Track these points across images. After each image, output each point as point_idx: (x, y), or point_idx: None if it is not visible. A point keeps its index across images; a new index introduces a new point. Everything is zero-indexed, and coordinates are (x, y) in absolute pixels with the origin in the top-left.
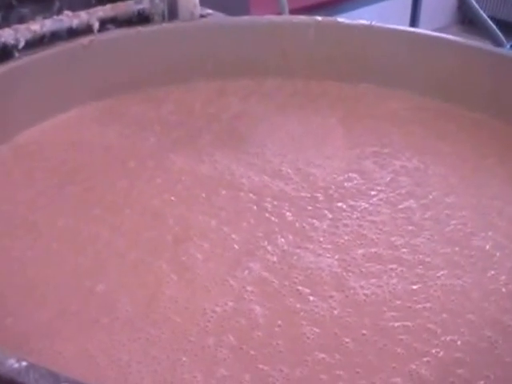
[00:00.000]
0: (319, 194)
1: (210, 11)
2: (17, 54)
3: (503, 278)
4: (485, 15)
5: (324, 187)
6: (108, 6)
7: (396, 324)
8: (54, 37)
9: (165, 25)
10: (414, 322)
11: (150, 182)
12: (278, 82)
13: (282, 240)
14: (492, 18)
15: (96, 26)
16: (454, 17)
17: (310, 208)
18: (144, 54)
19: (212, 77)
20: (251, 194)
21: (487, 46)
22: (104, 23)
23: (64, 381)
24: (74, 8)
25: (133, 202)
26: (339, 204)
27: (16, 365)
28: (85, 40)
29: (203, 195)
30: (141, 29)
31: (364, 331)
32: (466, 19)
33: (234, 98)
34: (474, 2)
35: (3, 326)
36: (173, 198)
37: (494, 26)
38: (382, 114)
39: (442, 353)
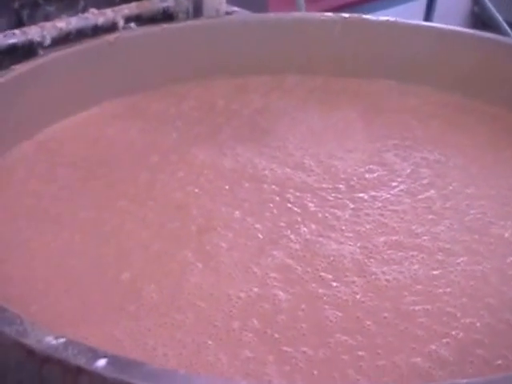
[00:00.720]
0: (341, 185)
1: (235, 9)
2: (41, 52)
3: None
4: (500, 17)
5: (345, 178)
6: (133, 4)
7: (416, 308)
8: (80, 34)
9: (189, 22)
10: (434, 305)
11: (172, 175)
12: (298, 78)
13: (305, 229)
14: (506, 22)
15: (121, 23)
16: (468, 20)
17: (331, 198)
18: (168, 51)
19: (233, 73)
20: (274, 186)
21: (506, 38)
22: (129, 21)
23: (103, 356)
24: (98, 6)
25: (156, 194)
26: (361, 194)
27: (54, 341)
28: (110, 37)
29: (226, 187)
30: (165, 26)
31: (385, 314)
32: (479, 22)
33: (255, 95)
34: (490, 4)
35: (28, 314)
36: (196, 190)
37: (509, 29)
38: (402, 109)
39: (461, 334)
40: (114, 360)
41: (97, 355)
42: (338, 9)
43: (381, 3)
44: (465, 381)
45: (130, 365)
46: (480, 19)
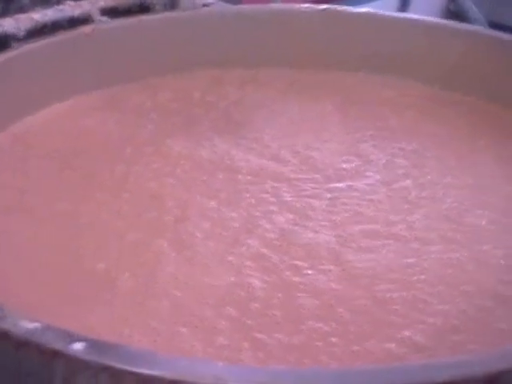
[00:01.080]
0: (317, 176)
1: (212, 0)
2: (16, 44)
3: (499, 251)
4: (480, 15)
5: (322, 169)
6: None
7: (391, 295)
8: (55, 26)
9: (166, 14)
10: (410, 293)
11: (148, 166)
12: (275, 71)
13: (281, 219)
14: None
15: (97, 15)
16: (442, 18)
17: (308, 189)
18: (144, 44)
19: (211, 66)
20: (250, 177)
21: (486, 30)
22: (105, 13)
23: (79, 339)
24: None
25: (131, 185)
26: (337, 184)
27: (30, 325)
28: (87, 28)
29: (202, 178)
30: (142, 18)
31: (359, 302)
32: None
33: (231, 87)
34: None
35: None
36: (172, 181)
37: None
38: (380, 101)
39: (436, 321)
40: (90, 343)
41: (73, 339)
42: (316, 1)
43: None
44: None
45: (107, 348)
46: (456, 17)
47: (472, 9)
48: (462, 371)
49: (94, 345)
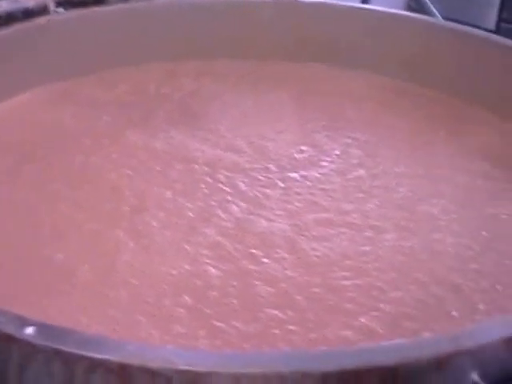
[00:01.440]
0: (272, 166)
1: None
2: None
3: (450, 240)
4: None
5: (276, 159)
6: None
7: (346, 282)
8: (10, 18)
9: (121, 5)
10: (364, 280)
11: (105, 157)
12: (230, 62)
13: (236, 208)
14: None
15: (52, 6)
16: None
17: (262, 178)
18: (100, 35)
19: (165, 58)
20: (205, 167)
21: (440, 20)
22: (60, 5)
23: (31, 324)
24: None
25: (89, 177)
26: (291, 174)
27: None
28: (42, 20)
29: (158, 169)
30: (96, 9)
31: (315, 289)
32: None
33: (186, 79)
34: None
35: None
36: (129, 172)
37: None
38: (336, 92)
39: (390, 308)
40: (42, 328)
41: (25, 323)
42: None
43: None
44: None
45: (60, 332)
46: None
47: (430, 6)
48: (411, 354)
49: (45, 329)
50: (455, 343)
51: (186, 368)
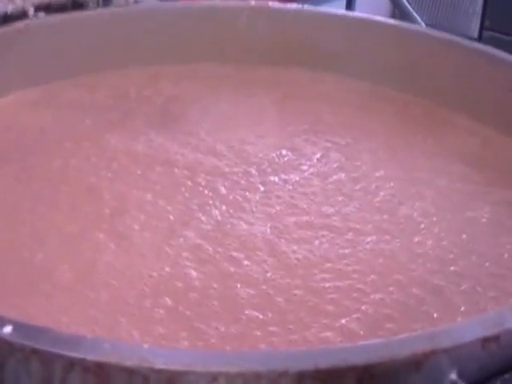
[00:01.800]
0: (252, 169)
1: None
2: None
3: (430, 242)
4: (418, 17)
5: (257, 163)
6: None
7: (327, 285)
8: None
9: (99, 10)
10: (344, 282)
11: (85, 160)
12: (211, 66)
13: (216, 211)
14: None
15: (31, 11)
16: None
17: (242, 182)
18: (79, 40)
19: (146, 62)
20: (185, 170)
21: (418, 26)
22: (39, 10)
23: (8, 322)
24: None
25: (69, 179)
26: (271, 178)
27: None
28: (20, 24)
29: (138, 172)
30: (76, 14)
31: (296, 291)
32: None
33: (167, 83)
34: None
35: None
36: (109, 175)
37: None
38: (315, 96)
39: (371, 310)
40: (19, 327)
41: (3, 322)
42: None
43: None
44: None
45: (37, 331)
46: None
47: (413, 14)
48: (387, 353)
49: (22, 328)
50: (432, 342)
51: (163, 367)
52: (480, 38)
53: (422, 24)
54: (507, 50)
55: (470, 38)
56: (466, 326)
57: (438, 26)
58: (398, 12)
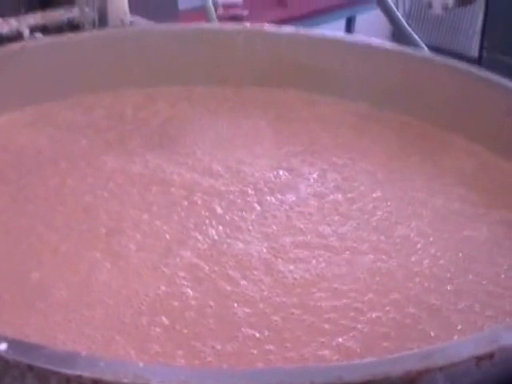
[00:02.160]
0: (248, 189)
1: (139, 18)
2: None
3: (427, 261)
4: (417, 38)
5: (253, 183)
6: (38, 14)
7: (324, 303)
8: None
9: (95, 32)
10: (341, 301)
11: (81, 180)
12: (207, 88)
13: (213, 231)
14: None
15: (26, 33)
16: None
17: (239, 202)
18: (74, 61)
19: (142, 83)
20: (182, 190)
21: (415, 49)
22: (34, 31)
23: (3, 339)
24: (2, 15)
25: (65, 198)
26: (268, 198)
27: None
28: (16, 46)
29: (135, 192)
30: (71, 35)
31: (293, 310)
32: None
33: (163, 104)
34: (406, 25)
35: None
36: (105, 195)
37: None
38: (311, 117)
39: (368, 328)
40: (14, 343)
41: None
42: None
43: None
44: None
45: (32, 348)
46: (400, 41)
47: (413, 35)
48: (381, 371)
49: (17, 345)
50: (426, 360)
51: None
52: (480, 58)
53: (422, 45)
54: (506, 69)
55: (470, 58)
56: (460, 344)
57: (439, 47)
58: (398, 33)
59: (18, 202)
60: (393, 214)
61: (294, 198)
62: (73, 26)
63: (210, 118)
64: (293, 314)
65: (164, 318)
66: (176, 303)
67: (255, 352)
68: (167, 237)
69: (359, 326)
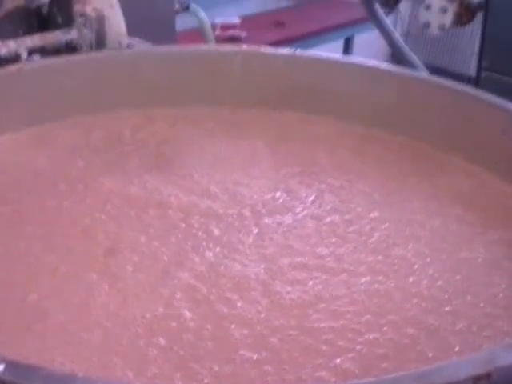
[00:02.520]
0: (246, 211)
1: (137, 40)
2: None
3: (425, 282)
4: (417, 59)
5: (251, 204)
6: (36, 36)
7: (321, 325)
8: None
9: (93, 54)
10: (339, 323)
11: (79, 202)
12: (205, 109)
13: (210, 253)
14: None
15: (24, 55)
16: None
17: (236, 224)
18: (72, 83)
19: (140, 105)
20: (179, 212)
21: (409, 70)
22: (33, 53)
23: (0, 361)
24: (1, 37)
25: (63, 220)
26: (265, 219)
27: None
28: (13, 68)
29: (132, 213)
30: (69, 58)
31: (290, 331)
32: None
33: (161, 125)
34: (405, 46)
35: None
36: (103, 217)
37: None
38: (308, 138)
39: (365, 349)
40: (12, 365)
41: None
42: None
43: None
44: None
45: (29, 369)
46: (398, 61)
47: (411, 55)
48: None
49: (14, 367)
50: (424, 381)
51: None
52: (478, 78)
53: (421, 65)
54: (504, 89)
55: (469, 78)
56: (457, 364)
57: (437, 67)
58: (396, 54)
59: (17, 224)
60: (390, 235)
61: (291, 220)
62: (71, 48)
63: (207, 139)
64: (290, 335)
65: (162, 340)
66: (174, 325)
67: (253, 374)
68: (165, 258)
69: (357, 347)
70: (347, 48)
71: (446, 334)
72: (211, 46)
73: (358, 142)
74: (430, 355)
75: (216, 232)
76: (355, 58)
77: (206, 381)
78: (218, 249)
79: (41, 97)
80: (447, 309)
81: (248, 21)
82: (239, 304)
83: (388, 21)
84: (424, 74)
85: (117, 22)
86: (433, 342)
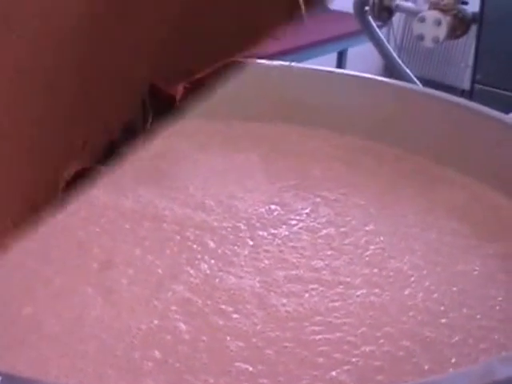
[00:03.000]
0: (241, 224)
1: None
2: None
3: (421, 294)
4: (410, 72)
5: (246, 217)
6: None
7: (317, 337)
8: None
9: None
10: (334, 335)
11: (74, 215)
12: (199, 122)
13: (205, 265)
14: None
15: None
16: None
17: (231, 237)
18: None
19: None
20: (174, 225)
21: (405, 83)
22: None
23: None
24: None
25: (58, 233)
26: (260, 232)
27: None
28: None
29: (127, 226)
30: None
31: (286, 344)
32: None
33: (155, 138)
34: (398, 59)
35: None
36: (97, 230)
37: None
38: (303, 151)
39: (361, 362)
40: (7, 378)
41: None
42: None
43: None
44: None
45: (24, 382)
46: (391, 75)
47: (405, 69)
48: None
49: (10, 380)
50: None
51: None
52: (472, 91)
53: (414, 79)
54: (498, 102)
55: (463, 91)
56: (454, 377)
57: (431, 80)
58: (390, 67)
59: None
60: (386, 248)
61: (286, 233)
62: None
63: (201, 152)
64: (286, 347)
65: (157, 352)
66: (168, 337)
67: None
68: (159, 271)
69: (353, 359)
70: (340, 61)
71: (442, 346)
72: None
73: (353, 154)
74: (426, 368)
75: (211, 245)
76: (349, 72)
77: None
78: (212, 261)
79: None
80: (443, 321)
81: None
82: (234, 316)
83: (381, 33)
84: (419, 86)
85: None
86: (429, 354)
